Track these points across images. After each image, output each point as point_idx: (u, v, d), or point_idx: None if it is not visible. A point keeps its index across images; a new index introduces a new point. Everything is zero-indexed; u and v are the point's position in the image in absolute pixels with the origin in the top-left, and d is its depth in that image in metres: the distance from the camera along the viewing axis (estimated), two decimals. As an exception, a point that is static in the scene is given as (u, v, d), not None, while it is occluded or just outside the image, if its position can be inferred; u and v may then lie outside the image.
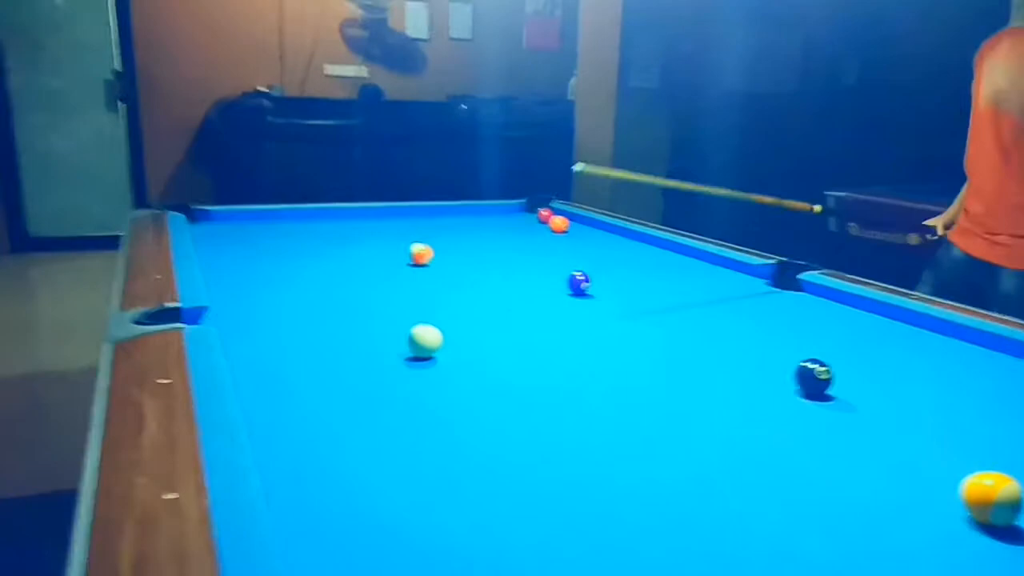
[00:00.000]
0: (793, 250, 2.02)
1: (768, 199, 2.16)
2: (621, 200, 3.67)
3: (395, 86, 5.89)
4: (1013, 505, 0.81)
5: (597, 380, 1.27)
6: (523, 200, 2.95)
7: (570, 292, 1.74)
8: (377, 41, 5.87)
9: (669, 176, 2.73)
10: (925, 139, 3.46)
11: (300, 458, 0.95)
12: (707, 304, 1.80)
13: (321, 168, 5.07)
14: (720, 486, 0.92)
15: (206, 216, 2.54)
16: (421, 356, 1.28)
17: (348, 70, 5.86)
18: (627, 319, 1.64)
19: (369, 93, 5.72)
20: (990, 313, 1.57)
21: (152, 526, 0.66)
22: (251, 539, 0.68)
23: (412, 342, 1.28)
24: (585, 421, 1.10)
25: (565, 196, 3.16)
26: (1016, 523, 0.82)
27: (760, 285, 1.91)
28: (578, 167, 2.08)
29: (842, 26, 4.32)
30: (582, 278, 1.72)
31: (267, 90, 5.45)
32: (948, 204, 2.39)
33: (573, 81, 5.16)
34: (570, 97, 5.37)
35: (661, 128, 4.17)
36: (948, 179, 2.39)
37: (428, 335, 1.28)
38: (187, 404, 0.94)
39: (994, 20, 2.18)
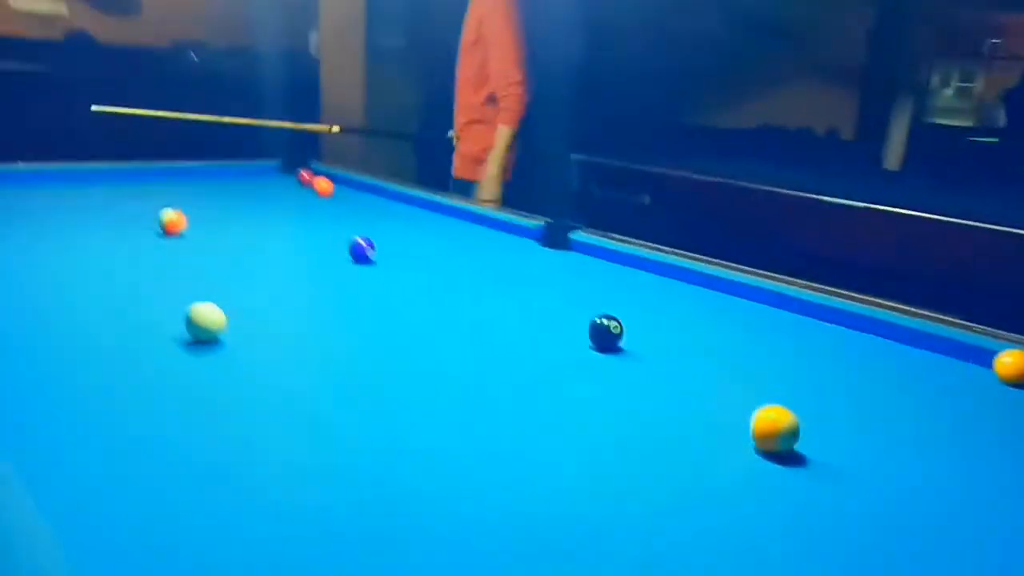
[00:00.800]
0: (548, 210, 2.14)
1: (289, 124, 2.71)
2: (374, 159, 3.58)
3: (105, 29, 5.15)
4: (793, 433, 0.93)
5: (399, 349, 1.23)
6: (278, 160, 2.76)
7: (353, 259, 1.66)
8: (78, -25, 5.06)
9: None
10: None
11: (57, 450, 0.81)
12: (490, 267, 1.84)
13: (14, 122, 4.29)
14: (529, 436, 0.94)
15: None
16: (202, 338, 1.14)
17: (42, 5, 5.00)
18: (416, 286, 1.61)
19: (74, 36, 4.94)
20: (730, 264, 1.78)
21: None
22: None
23: (191, 323, 1.14)
24: (392, 386, 1.06)
25: (316, 155, 3.02)
26: (795, 448, 0.94)
27: (532, 245, 1.98)
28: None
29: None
30: (366, 244, 1.65)
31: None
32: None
33: (314, 35, 4.90)
34: (311, 52, 5.09)
35: (411, 87, 4.12)
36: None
37: (210, 315, 1.15)
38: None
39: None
